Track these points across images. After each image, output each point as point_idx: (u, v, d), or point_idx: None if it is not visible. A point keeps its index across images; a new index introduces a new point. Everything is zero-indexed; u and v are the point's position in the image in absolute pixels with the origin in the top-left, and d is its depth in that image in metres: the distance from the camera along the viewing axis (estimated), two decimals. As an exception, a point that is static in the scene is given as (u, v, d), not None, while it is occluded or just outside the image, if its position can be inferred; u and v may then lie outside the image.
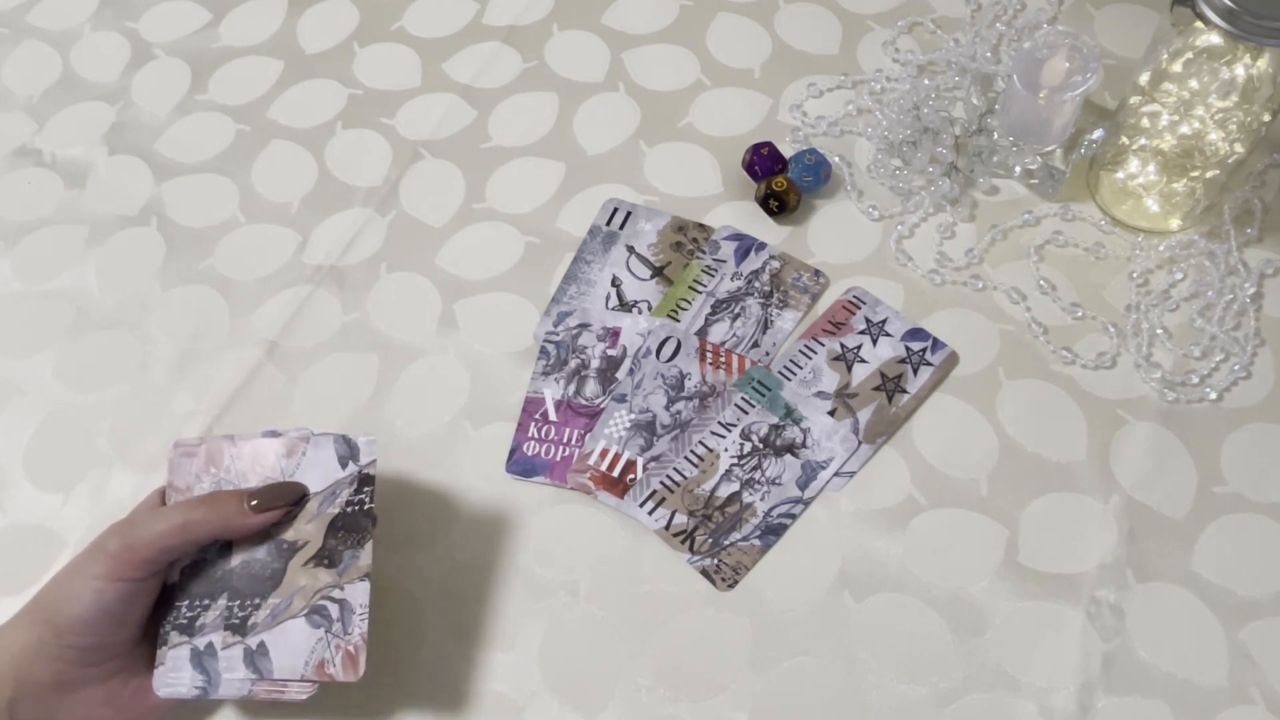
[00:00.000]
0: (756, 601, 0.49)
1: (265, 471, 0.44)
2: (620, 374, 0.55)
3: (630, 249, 0.59)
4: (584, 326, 0.56)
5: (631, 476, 0.52)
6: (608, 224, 0.60)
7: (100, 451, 0.54)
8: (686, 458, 0.52)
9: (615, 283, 0.58)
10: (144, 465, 0.53)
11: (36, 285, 0.60)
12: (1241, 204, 0.58)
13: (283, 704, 0.44)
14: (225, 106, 0.66)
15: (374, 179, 0.62)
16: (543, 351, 0.56)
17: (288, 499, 0.43)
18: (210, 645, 0.42)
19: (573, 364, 0.55)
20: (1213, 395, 0.53)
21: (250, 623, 0.42)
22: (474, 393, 0.55)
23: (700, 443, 0.52)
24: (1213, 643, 0.47)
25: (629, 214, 0.60)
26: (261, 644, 0.42)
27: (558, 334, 0.56)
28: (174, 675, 0.42)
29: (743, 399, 0.53)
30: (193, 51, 0.69)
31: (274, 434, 0.44)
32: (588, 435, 0.53)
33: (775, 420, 0.53)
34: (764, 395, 0.53)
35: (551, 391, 0.54)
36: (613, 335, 0.56)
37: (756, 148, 0.59)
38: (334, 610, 0.42)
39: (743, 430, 0.53)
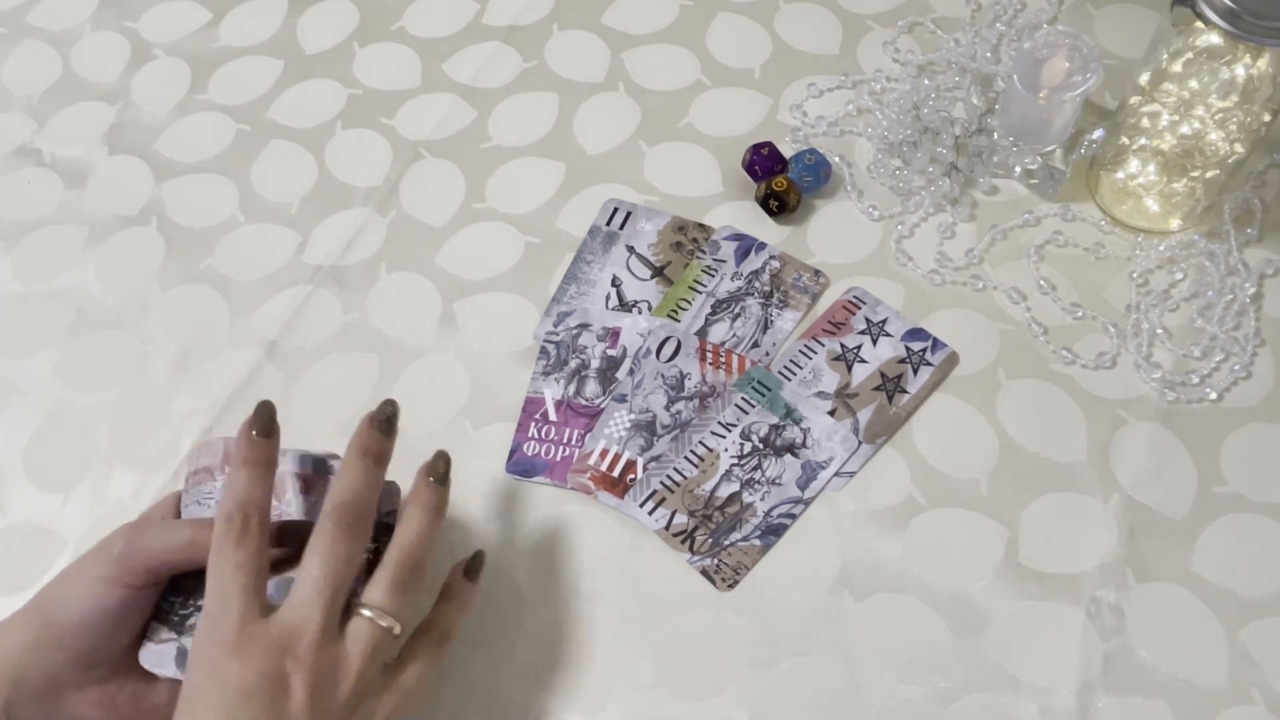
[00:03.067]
0: (756, 601, 0.49)
1: (281, 508, 0.42)
2: (620, 374, 0.55)
3: (630, 249, 0.59)
4: (584, 326, 0.56)
5: (631, 476, 0.52)
6: (608, 224, 0.60)
7: (100, 451, 0.54)
8: (686, 458, 0.52)
9: (615, 283, 0.58)
10: (144, 465, 0.53)
11: (36, 285, 0.60)
12: (1241, 204, 0.58)
13: None
14: (225, 106, 0.66)
15: (374, 179, 0.62)
16: (543, 351, 0.56)
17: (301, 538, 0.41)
18: None
19: (573, 364, 0.55)
20: (1213, 395, 0.53)
21: None
22: (474, 393, 0.55)
23: (700, 443, 0.52)
24: (1213, 643, 0.47)
25: (629, 214, 0.60)
26: None
27: (558, 334, 0.56)
28: (158, 662, 0.41)
29: (743, 399, 0.53)
30: (193, 51, 0.69)
31: (303, 459, 0.43)
32: (588, 435, 0.53)
33: (775, 420, 0.53)
34: (764, 395, 0.53)
35: (551, 391, 0.54)
36: (613, 335, 0.56)
37: (756, 148, 0.59)
38: None
39: (743, 430, 0.52)
